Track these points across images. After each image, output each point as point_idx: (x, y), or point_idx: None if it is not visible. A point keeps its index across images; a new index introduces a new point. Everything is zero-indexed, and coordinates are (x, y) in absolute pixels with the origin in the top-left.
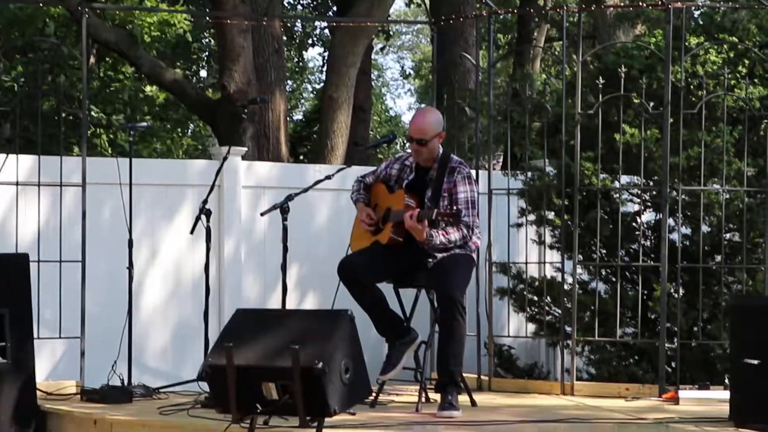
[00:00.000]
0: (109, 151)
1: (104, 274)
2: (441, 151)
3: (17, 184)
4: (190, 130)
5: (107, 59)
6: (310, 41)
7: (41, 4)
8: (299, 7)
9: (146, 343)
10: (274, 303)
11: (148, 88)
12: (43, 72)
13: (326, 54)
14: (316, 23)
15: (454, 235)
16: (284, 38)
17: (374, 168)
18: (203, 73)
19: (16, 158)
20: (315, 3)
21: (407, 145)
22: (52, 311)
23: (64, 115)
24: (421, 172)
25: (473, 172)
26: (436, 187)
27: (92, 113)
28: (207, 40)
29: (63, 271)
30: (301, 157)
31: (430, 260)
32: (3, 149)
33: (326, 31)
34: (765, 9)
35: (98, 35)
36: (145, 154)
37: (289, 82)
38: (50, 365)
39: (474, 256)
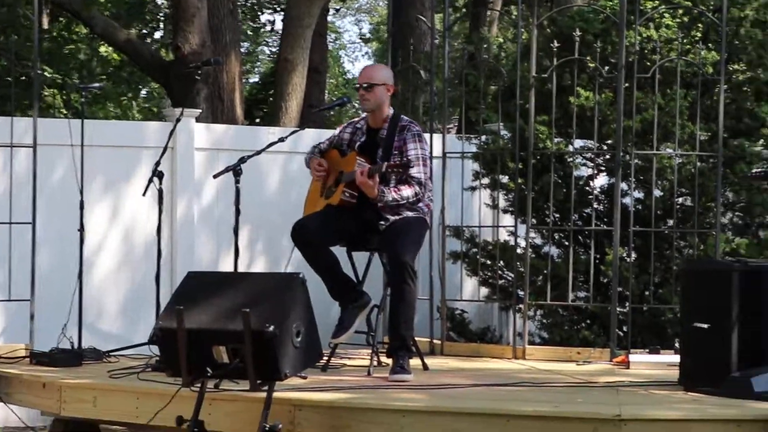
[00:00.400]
0: (64, 113)
1: (56, 237)
2: (392, 111)
3: None
4: (144, 92)
5: (60, 19)
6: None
7: None
8: None
9: (97, 306)
10: (227, 266)
11: (102, 49)
12: None
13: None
14: None
15: (407, 191)
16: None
17: (329, 134)
18: (157, 35)
19: None
20: None
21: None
22: (2, 274)
23: (16, 75)
24: (372, 133)
25: (426, 135)
26: (387, 146)
27: (45, 74)
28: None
29: (13, 233)
30: (257, 120)
31: (383, 222)
32: None
33: None
34: None
35: None
36: (101, 116)
37: (245, 44)
38: (0, 328)
39: (427, 218)
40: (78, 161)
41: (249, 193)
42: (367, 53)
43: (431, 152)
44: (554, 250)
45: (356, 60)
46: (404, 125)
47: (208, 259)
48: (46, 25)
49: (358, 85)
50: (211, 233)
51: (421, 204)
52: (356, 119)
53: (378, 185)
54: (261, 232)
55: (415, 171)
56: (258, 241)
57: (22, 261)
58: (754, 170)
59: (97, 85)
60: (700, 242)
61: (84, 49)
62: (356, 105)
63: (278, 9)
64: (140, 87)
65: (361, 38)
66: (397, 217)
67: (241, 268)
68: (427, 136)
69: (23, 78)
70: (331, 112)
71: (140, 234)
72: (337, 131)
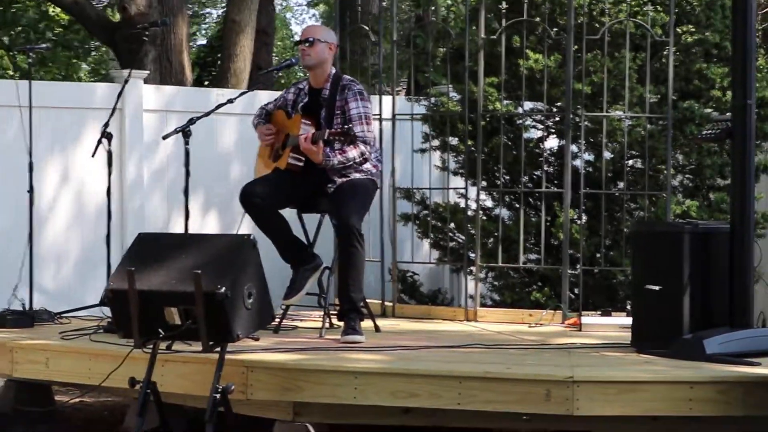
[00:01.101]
0: (12, 74)
1: (6, 198)
2: (333, 71)
3: None
4: (91, 54)
5: None
6: None
7: None
8: None
9: (49, 267)
10: (178, 228)
11: (50, 10)
12: None
13: None
14: None
15: (352, 152)
16: None
17: (275, 96)
18: None
19: None
20: None
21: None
22: None
23: None
24: (315, 93)
25: (366, 91)
26: (329, 106)
27: None
28: None
29: None
30: (206, 83)
31: (330, 186)
32: None
33: None
34: None
35: None
36: (50, 77)
37: (192, 6)
38: None
39: (375, 180)
40: (26, 123)
41: (201, 155)
42: (314, 15)
43: (381, 114)
44: (505, 213)
45: (303, 22)
46: (345, 84)
47: (160, 221)
48: None
49: (299, 40)
50: (163, 195)
51: (368, 164)
52: (300, 80)
53: (322, 150)
54: (213, 194)
55: (359, 130)
56: (210, 204)
57: None
58: (704, 132)
59: (43, 45)
60: (650, 204)
61: (32, 9)
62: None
63: None
64: (89, 48)
65: (309, 4)
66: (344, 180)
67: (193, 230)
68: (375, 99)
69: None
70: (280, 74)
71: (91, 195)
72: (282, 93)
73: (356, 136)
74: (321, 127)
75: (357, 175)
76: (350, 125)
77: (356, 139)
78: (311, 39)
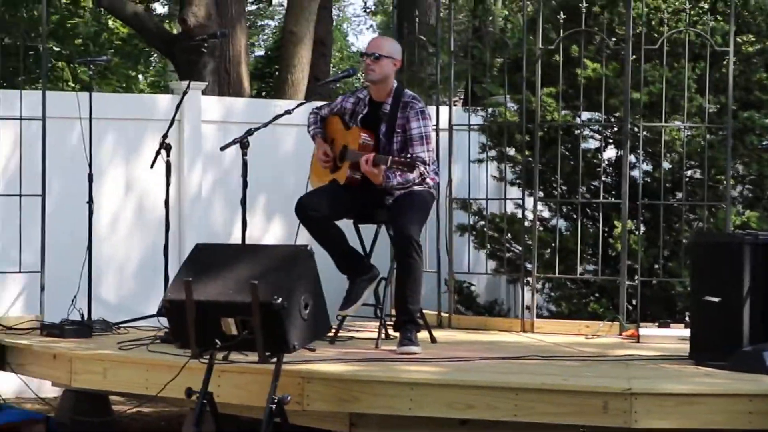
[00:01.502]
0: (72, 86)
1: (66, 209)
2: (395, 85)
3: None
4: (151, 66)
5: None
6: None
7: None
8: None
9: (108, 278)
10: (236, 238)
11: (110, 22)
12: (3, 6)
13: None
14: None
15: (411, 175)
16: None
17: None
18: (159, 8)
19: None
20: None
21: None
22: (13, 246)
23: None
24: (375, 106)
25: (427, 108)
26: (390, 123)
27: (53, 48)
28: None
29: (24, 205)
30: (263, 94)
31: (389, 197)
32: None
33: None
34: None
35: None
36: (110, 90)
37: (250, 17)
38: (10, 299)
39: (433, 192)
40: (86, 134)
41: (260, 165)
42: (371, 26)
43: (438, 125)
44: (562, 223)
45: (360, 33)
46: (407, 102)
47: (218, 232)
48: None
49: (365, 54)
50: (221, 205)
51: (427, 179)
52: (359, 89)
53: (383, 172)
54: (272, 204)
55: (419, 150)
56: (269, 214)
57: (32, 233)
58: (764, 142)
59: (103, 58)
60: (709, 215)
61: (91, 23)
62: (362, 77)
63: None
64: (149, 60)
65: (365, 11)
66: (402, 192)
67: (253, 240)
68: (432, 109)
69: (31, 52)
70: (337, 85)
71: (150, 206)
72: (339, 99)
73: (417, 156)
74: (380, 143)
75: (415, 188)
76: (410, 152)
77: (417, 159)
78: (377, 54)
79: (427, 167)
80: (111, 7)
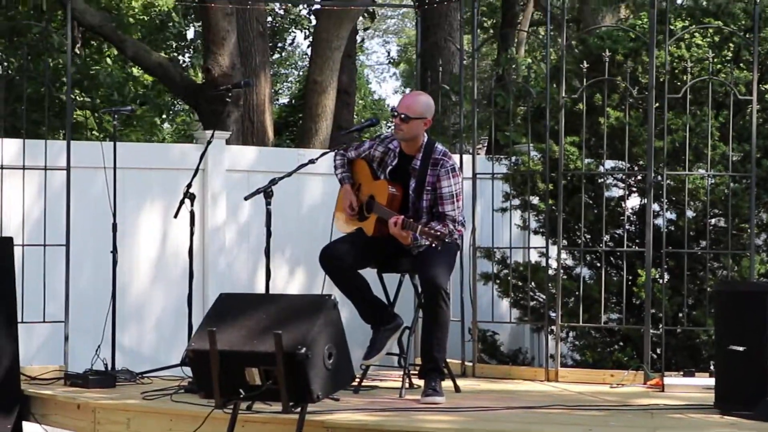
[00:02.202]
0: (96, 135)
1: (89, 258)
2: (426, 139)
3: (2, 167)
4: (175, 113)
5: (92, 42)
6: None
7: None
8: None
9: (131, 327)
10: (260, 287)
11: (134, 71)
12: (28, 56)
13: (309, 38)
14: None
15: (440, 234)
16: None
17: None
18: (182, 57)
19: (0, 142)
20: None
21: (390, 127)
22: (37, 295)
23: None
24: (405, 159)
25: (457, 161)
26: (420, 180)
27: (77, 97)
28: (190, 22)
29: (47, 255)
30: (287, 142)
31: (414, 248)
32: None
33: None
34: None
35: (83, 19)
36: (133, 138)
37: (274, 66)
38: (34, 349)
39: (458, 242)
40: (111, 184)
41: (283, 214)
42: (395, 74)
43: (461, 173)
44: (586, 272)
45: (384, 81)
46: (438, 159)
47: (242, 281)
48: (77, 50)
49: (395, 113)
50: (245, 255)
51: (454, 234)
52: (388, 136)
53: (411, 234)
54: (295, 253)
55: (449, 209)
56: (292, 263)
57: (55, 283)
58: None
59: (128, 108)
60: (733, 264)
61: (116, 71)
62: (384, 127)
63: (307, 31)
64: (173, 108)
65: (389, 62)
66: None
67: (277, 289)
68: (456, 158)
69: (55, 101)
70: (361, 134)
71: (173, 255)
72: (367, 144)
73: (446, 214)
74: (408, 198)
75: None
76: (440, 209)
77: (446, 217)
78: (406, 115)
79: (456, 225)
80: (136, 56)
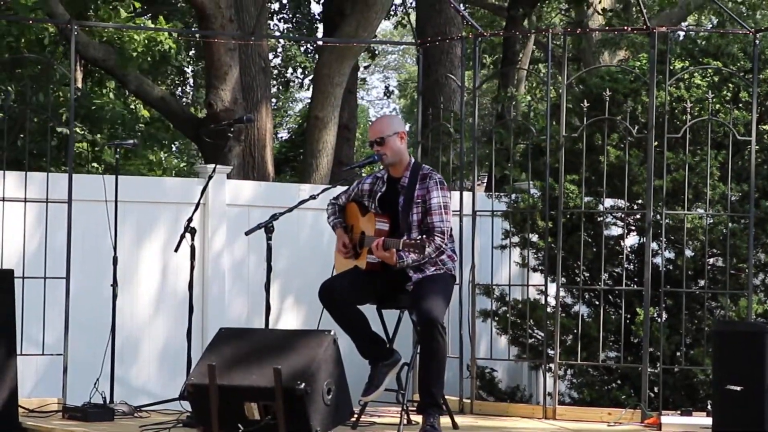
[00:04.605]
0: (96, 167)
1: (89, 291)
2: (412, 160)
3: (3, 200)
4: (174, 148)
5: (96, 75)
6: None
7: (30, 22)
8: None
9: (130, 361)
10: (259, 322)
11: (136, 105)
12: (31, 87)
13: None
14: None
15: (427, 249)
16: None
17: (346, 188)
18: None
19: (2, 174)
20: (300, 21)
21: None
22: (36, 327)
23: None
24: (393, 182)
25: (443, 179)
26: (408, 195)
27: (78, 131)
28: (192, 57)
29: (47, 287)
30: (287, 177)
31: (409, 284)
32: None
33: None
34: (748, 34)
35: (86, 53)
36: (132, 169)
37: (275, 100)
38: (33, 382)
39: (454, 274)
40: (112, 217)
41: (283, 249)
42: (395, 109)
43: (461, 210)
44: (584, 309)
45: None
46: (426, 173)
47: (241, 315)
48: (79, 83)
49: (371, 143)
50: (244, 289)
51: (444, 256)
52: (377, 171)
53: (395, 253)
54: (293, 288)
55: (437, 219)
56: (290, 297)
57: (55, 315)
58: None
59: (130, 141)
60: (731, 303)
61: (118, 105)
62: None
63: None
64: (174, 143)
65: (386, 94)
66: (421, 275)
67: (276, 324)
68: (455, 193)
69: (58, 133)
70: (362, 170)
71: (173, 289)
72: (354, 184)
73: (435, 226)
74: (398, 216)
75: (433, 270)
76: (429, 220)
77: (434, 230)
78: (380, 137)
79: (444, 238)
80: (138, 90)
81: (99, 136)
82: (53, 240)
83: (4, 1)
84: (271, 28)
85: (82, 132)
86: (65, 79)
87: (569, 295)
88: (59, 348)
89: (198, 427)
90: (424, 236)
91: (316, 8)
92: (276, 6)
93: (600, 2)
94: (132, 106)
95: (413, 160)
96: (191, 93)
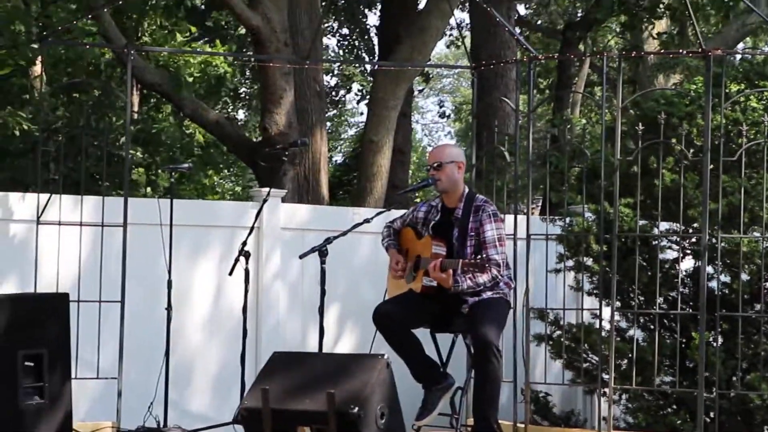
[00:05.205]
0: (149, 191)
1: (143, 315)
2: (466, 190)
3: (60, 224)
4: (229, 172)
5: (152, 100)
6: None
7: (88, 47)
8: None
9: (183, 384)
10: (313, 345)
11: (192, 128)
12: (87, 113)
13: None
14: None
15: (482, 278)
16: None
17: (401, 212)
18: (240, 114)
19: (59, 198)
20: (356, 44)
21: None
22: (90, 351)
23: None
24: (447, 212)
25: (499, 211)
26: (462, 228)
27: (137, 154)
28: (247, 79)
29: (102, 310)
30: (342, 200)
31: (464, 306)
32: (46, 189)
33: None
34: None
35: (143, 77)
36: (187, 192)
37: (330, 124)
38: (88, 405)
39: (508, 298)
40: (167, 240)
41: (337, 273)
42: (449, 132)
43: (515, 234)
44: (639, 334)
45: (439, 140)
46: (479, 205)
47: (295, 339)
48: (136, 107)
49: (428, 168)
50: (298, 313)
51: (500, 284)
52: (432, 199)
53: (452, 276)
54: (348, 312)
55: (493, 252)
56: (345, 321)
57: (109, 338)
58: None
59: (185, 165)
60: None
61: (174, 129)
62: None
63: (365, 88)
64: (230, 167)
65: (441, 115)
66: (477, 299)
67: (330, 348)
68: (510, 218)
69: (114, 159)
70: (416, 194)
71: (227, 313)
72: (410, 210)
73: (491, 258)
74: (453, 247)
75: (490, 294)
76: (483, 255)
77: (490, 262)
78: (438, 163)
79: (500, 269)
80: (193, 114)
81: (158, 158)
82: (108, 263)
83: (62, 26)
84: (328, 47)
85: (142, 156)
86: (123, 103)
87: (624, 319)
88: (113, 372)
89: None
90: (484, 255)
91: (372, 29)
92: (335, 25)
93: (654, 26)
94: (189, 130)
95: (467, 190)
96: (247, 116)
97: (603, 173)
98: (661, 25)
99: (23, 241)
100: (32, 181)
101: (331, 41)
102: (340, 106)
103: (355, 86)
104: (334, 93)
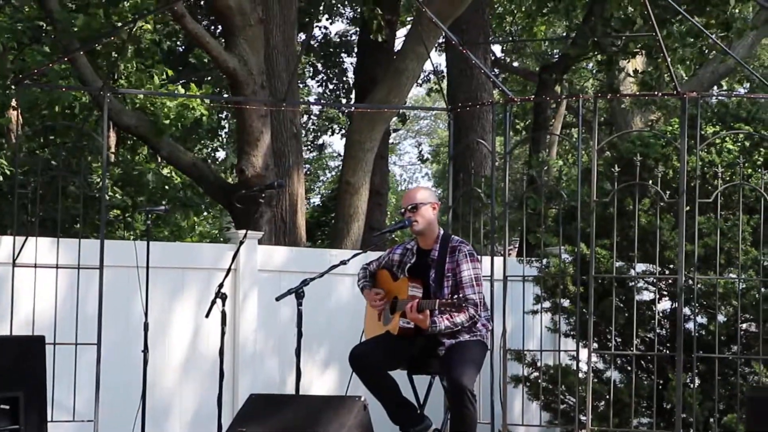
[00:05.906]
0: (125, 233)
1: (120, 357)
2: (441, 232)
3: (35, 266)
4: (207, 213)
5: (128, 142)
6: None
7: (64, 89)
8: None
9: (160, 426)
10: (290, 387)
11: (165, 170)
12: (63, 155)
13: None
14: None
15: (459, 317)
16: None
17: (378, 254)
18: (221, 153)
19: (35, 240)
20: (336, 86)
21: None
22: (66, 393)
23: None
24: (423, 254)
25: (475, 251)
26: (439, 269)
27: (116, 195)
28: (225, 118)
29: (78, 352)
30: (318, 242)
31: (441, 348)
32: (22, 231)
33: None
34: None
35: (119, 119)
36: (163, 235)
37: (307, 165)
38: None
39: (485, 341)
40: (143, 282)
41: (314, 314)
42: (426, 174)
43: (492, 276)
44: (616, 375)
45: (416, 181)
46: (455, 246)
47: (273, 381)
48: (113, 149)
49: (403, 210)
50: (275, 354)
51: (478, 324)
52: (407, 240)
53: (429, 317)
54: (325, 353)
55: (470, 293)
56: (323, 363)
57: (85, 381)
58: None
59: (162, 207)
60: (765, 369)
61: (152, 171)
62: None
63: (341, 132)
64: (206, 209)
65: (419, 159)
66: (454, 341)
67: (307, 389)
68: (486, 260)
69: (94, 199)
70: (393, 235)
71: (204, 355)
72: (386, 253)
73: (467, 298)
74: (430, 289)
75: (467, 336)
76: (460, 294)
77: (467, 302)
78: (413, 204)
79: (478, 309)
80: (170, 156)
81: (141, 200)
82: (84, 305)
83: (37, 70)
84: (311, 89)
85: (121, 198)
86: (99, 144)
87: (601, 360)
88: (90, 414)
89: None
90: (461, 295)
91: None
92: (311, 70)
93: (630, 63)
94: (167, 172)
95: (442, 232)
96: (224, 157)
97: (579, 214)
98: (637, 63)
99: None
100: (10, 224)
101: (311, 83)
102: (321, 150)
103: (337, 128)
104: (314, 137)
